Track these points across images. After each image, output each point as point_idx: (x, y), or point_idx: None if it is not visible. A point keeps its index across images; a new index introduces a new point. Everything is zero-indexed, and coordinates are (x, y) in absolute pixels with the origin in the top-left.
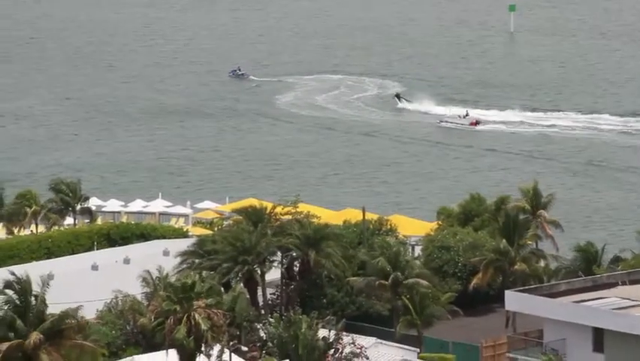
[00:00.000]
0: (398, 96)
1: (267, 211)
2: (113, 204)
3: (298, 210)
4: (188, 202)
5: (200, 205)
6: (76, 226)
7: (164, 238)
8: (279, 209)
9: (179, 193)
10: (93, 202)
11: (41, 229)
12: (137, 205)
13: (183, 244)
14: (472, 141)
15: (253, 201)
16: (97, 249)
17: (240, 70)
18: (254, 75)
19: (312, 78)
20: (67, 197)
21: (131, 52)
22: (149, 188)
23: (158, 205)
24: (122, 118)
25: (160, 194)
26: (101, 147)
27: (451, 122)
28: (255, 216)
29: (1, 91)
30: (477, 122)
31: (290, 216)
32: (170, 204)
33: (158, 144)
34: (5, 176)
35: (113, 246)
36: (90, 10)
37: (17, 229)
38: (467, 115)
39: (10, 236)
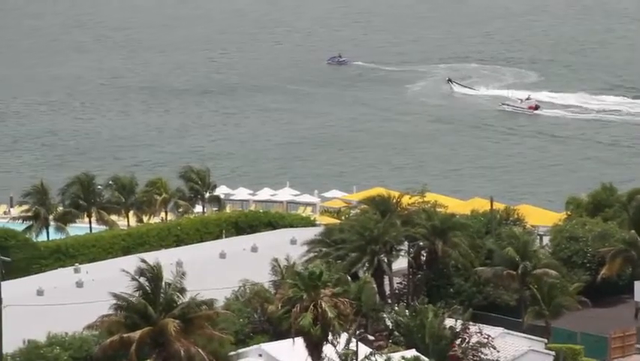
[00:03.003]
0: (450, 80)
1: (394, 201)
2: (242, 193)
3: (425, 199)
4: (316, 191)
5: (327, 194)
6: (205, 214)
7: (292, 226)
8: (406, 198)
9: (306, 182)
10: (222, 190)
11: (171, 216)
12: (265, 194)
13: (311, 233)
14: (590, 133)
15: (380, 191)
16: (225, 237)
17: (340, 57)
18: (362, 61)
19: (443, 67)
20: (197, 185)
21: (247, 38)
22: (278, 176)
23: (286, 194)
24: (250, 105)
25: (288, 183)
26: (230, 134)
27: (512, 106)
28: (382, 206)
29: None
30: (536, 107)
31: (417, 206)
32: (297, 192)
33: (286, 132)
34: (136, 163)
35: (241, 234)
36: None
37: (148, 216)
38: (529, 98)
39: (140, 224)
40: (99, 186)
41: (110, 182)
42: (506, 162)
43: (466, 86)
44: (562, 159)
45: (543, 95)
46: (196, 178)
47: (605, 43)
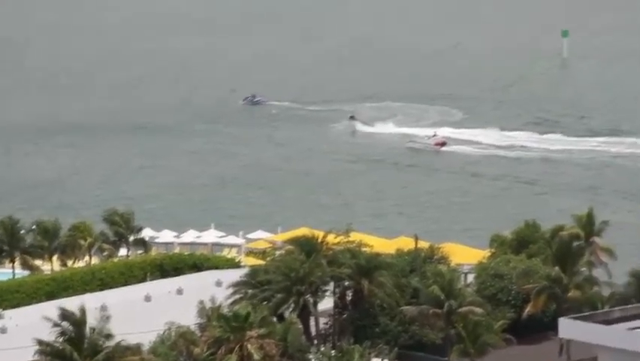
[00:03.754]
0: (353, 117)
1: (319, 241)
2: (166, 235)
3: (350, 239)
4: (241, 232)
5: (252, 235)
6: (130, 257)
7: (217, 268)
8: (331, 238)
9: (231, 223)
10: (146, 233)
11: (95, 260)
12: (189, 236)
13: (236, 275)
14: (515, 171)
15: (305, 231)
16: (150, 280)
17: (254, 97)
18: (274, 101)
19: (369, 105)
20: (121, 228)
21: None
22: (202, 218)
23: (211, 236)
24: (172, 147)
25: (212, 224)
26: (154, 176)
27: (419, 143)
28: (307, 246)
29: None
30: (443, 144)
31: (342, 246)
32: (222, 234)
33: (210, 173)
34: (60, 207)
35: (166, 277)
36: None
37: (72, 260)
38: (435, 135)
39: (64, 268)
40: (22, 231)
41: (34, 226)
42: (428, 199)
43: (367, 124)
44: (483, 196)
45: (462, 133)
46: (120, 221)
47: (525, 81)
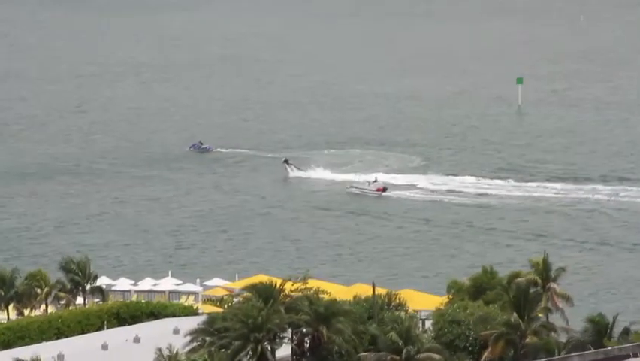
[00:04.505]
0: (287, 162)
1: (277, 288)
2: (123, 283)
3: (308, 285)
4: (198, 280)
5: (209, 283)
6: (87, 306)
7: (175, 316)
8: (288, 285)
9: (188, 271)
10: (103, 281)
11: (52, 309)
12: (146, 284)
13: (194, 322)
14: (474, 217)
15: (263, 278)
16: (107, 328)
17: (201, 144)
18: (222, 147)
19: (326, 153)
20: (77, 276)
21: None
22: (159, 266)
23: (168, 283)
24: (127, 196)
25: (170, 272)
26: (110, 225)
27: (360, 188)
28: (265, 293)
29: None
30: (384, 189)
31: (300, 293)
32: (179, 282)
33: (165, 220)
34: (16, 255)
35: (123, 325)
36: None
37: (29, 309)
38: (376, 180)
39: (20, 317)
40: None
41: None
42: (382, 245)
43: (300, 169)
44: (437, 243)
45: (415, 178)
46: (76, 269)
47: (480, 128)
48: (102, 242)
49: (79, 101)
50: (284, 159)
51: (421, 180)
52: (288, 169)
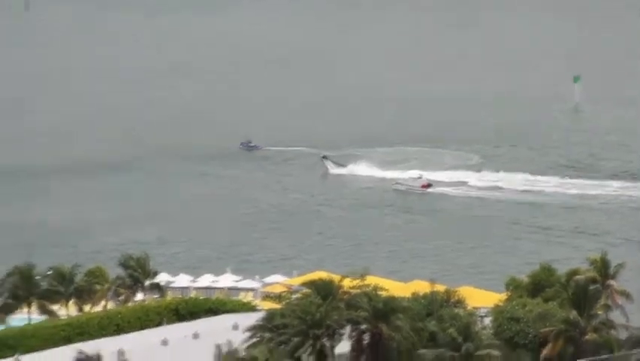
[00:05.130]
0: (325, 157)
1: (336, 284)
2: (182, 279)
3: (366, 282)
4: (257, 276)
5: (268, 279)
6: (146, 302)
7: (233, 312)
8: (347, 282)
9: (247, 267)
10: (162, 278)
11: (111, 305)
12: (205, 280)
13: (252, 319)
14: (534, 213)
15: (321, 274)
16: (166, 324)
17: (250, 142)
18: (271, 145)
19: (381, 151)
20: (136, 273)
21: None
22: (218, 263)
23: (227, 280)
24: (186, 193)
25: (228, 268)
26: (168, 221)
27: (405, 185)
28: (323, 290)
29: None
30: (429, 185)
31: (358, 289)
32: (238, 278)
33: (224, 217)
34: (76, 252)
35: (182, 321)
36: None
37: (89, 305)
38: (420, 177)
39: (80, 313)
40: (38, 276)
41: (49, 272)
42: (439, 243)
43: (340, 165)
44: (496, 240)
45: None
46: (135, 266)
47: (539, 126)
48: (161, 238)
49: (131, 100)
50: (322, 155)
51: (473, 178)
52: (327, 165)
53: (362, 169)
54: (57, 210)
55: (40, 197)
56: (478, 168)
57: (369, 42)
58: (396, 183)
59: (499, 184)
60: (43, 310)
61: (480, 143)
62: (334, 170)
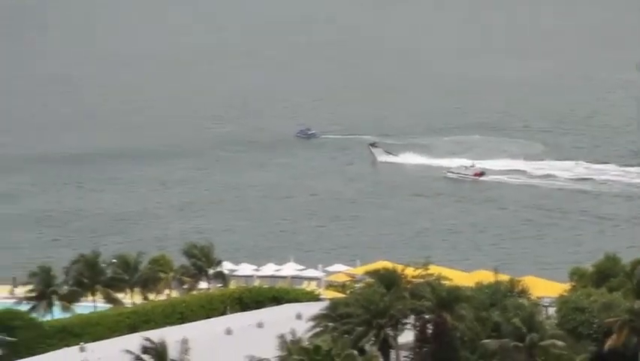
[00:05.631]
0: (373, 145)
1: (399, 273)
2: (246, 268)
3: (429, 272)
4: (320, 265)
5: (331, 268)
6: (210, 291)
7: (297, 301)
8: (410, 271)
9: (310, 256)
10: (226, 266)
11: (175, 293)
12: (269, 269)
13: (316, 308)
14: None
15: (384, 264)
16: (230, 313)
17: (309, 130)
18: (329, 133)
19: (447, 140)
20: (200, 261)
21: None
22: (281, 252)
23: (290, 269)
24: (247, 181)
25: (292, 257)
26: (231, 210)
27: (457, 173)
28: (387, 279)
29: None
30: (482, 174)
31: (421, 279)
32: (302, 267)
33: (287, 206)
34: (140, 240)
35: (246, 310)
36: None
37: (153, 294)
38: (473, 166)
39: (145, 301)
40: (103, 264)
41: (114, 260)
42: (500, 232)
43: (389, 153)
44: (558, 229)
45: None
46: (199, 254)
47: (602, 113)
48: (225, 227)
49: (193, 87)
50: (370, 142)
51: (530, 166)
52: (375, 153)
53: (412, 157)
54: (122, 198)
55: (106, 184)
56: (540, 157)
57: (432, 29)
58: (448, 172)
59: (558, 173)
60: (108, 298)
61: (543, 130)
62: (383, 158)
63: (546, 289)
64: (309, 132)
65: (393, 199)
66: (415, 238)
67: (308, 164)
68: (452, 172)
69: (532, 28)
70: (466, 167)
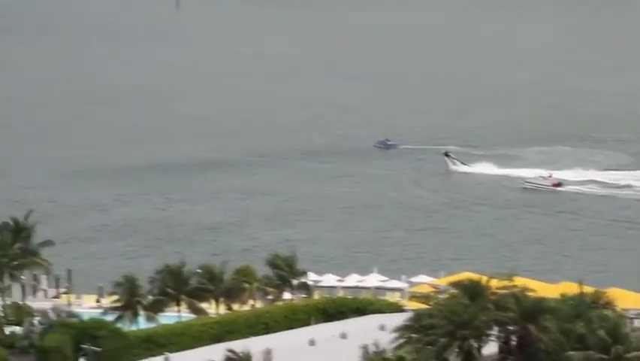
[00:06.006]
0: (447, 155)
1: (483, 284)
2: (329, 279)
3: (513, 283)
4: (404, 276)
5: (415, 279)
6: (293, 301)
7: (380, 312)
8: (494, 282)
9: (394, 267)
10: (309, 277)
11: (259, 304)
12: (352, 280)
13: (400, 319)
14: None
15: (468, 275)
16: (314, 324)
17: (388, 140)
18: (409, 144)
19: (535, 150)
20: (284, 272)
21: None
22: (365, 262)
23: (374, 279)
24: (329, 192)
25: (375, 268)
26: (314, 220)
27: (534, 184)
28: (471, 290)
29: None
30: (559, 184)
31: (506, 290)
32: (385, 278)
33: (370, 217)
34: (224, 250)
35: (329, 321)
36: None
37: (237, 304)
38: (550, 176)
39: (229, 311)
40: (188, 274)
41: (199, 270)
42: (583, 243)
43: (463, 163)
44: (638, 241)
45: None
46: (283, 265)
47: None
48: (309, 238)
49: (275, 99)
50: (444, 151)
51: (612, 176)
52: (449, 162)
53: (487, 167)
54: (207, 208)
55: (191, 194)
56: (619, 167)
57: (518, 37)
58: (526, 182)
59: (638, 183)
60: (193, 308)
61: (632, 141)
62: (456, 167)
63: (631, 301)
64: (388, 143)
65: (475, 210)
66: (498, 248)
67: (389, 174)
68: (529, 183)
69: (619, 40)
70: (543, 177)
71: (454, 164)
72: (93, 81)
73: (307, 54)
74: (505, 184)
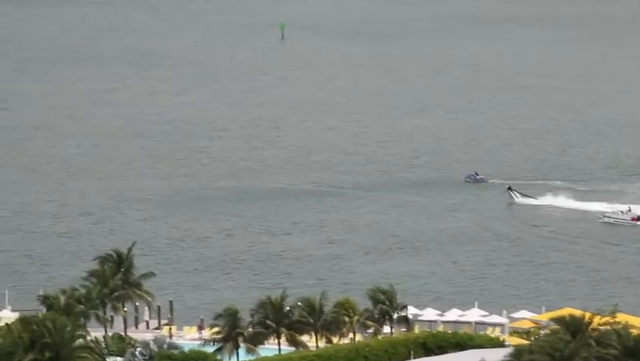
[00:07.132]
0: (510, 189)
1: (585, 321)
2: (430, 313)
3: (616, 320)
4: (504, 311)
5: (516, 315)
6: (394, 335)
7: (481, 347)
8: (596, 319)
9: (495, 302)
10: (410, 311)
11: (359, 337)
12: (453, 314)
13: (500, 354)
14: None
15: (570, 311)
16: (414, 358)
17: (477, 174)
18: (498, 178)
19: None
20: (385, 306)
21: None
22: (466, 297)
23: (474, 314)
24: (427, 225)
25: (476, 303)
26: (414, 254)
27: (614, 218)
28: (572, 326)
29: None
30: (639, 218)
31: (608, 326)
32: (486, 313)
33: (473, 254)
34: (324, 284)
35: (429, 355)
36: None
37: (337, 337)
38: (630, 210)
39: (328, 344)
40: (288, 307)
41: (299, 303)
42: None
43: (527, 196)
44: None
45: None
46: (384, 299)
47: None
48: (409, 271)
49: (371, 131)
50: (507, 185)
51: None
52: (512, 196)
53: (556, 200)
54: (308, 240)
55: (292, 226)
56: None
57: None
58: (604, 216)
59: None
60: (293, 341)
61: None
62: (520, 200)
63: None
64: (478, 177)
65: (572, 245)
66: (601, 285)
67: (483, 207)
68: (608, 217)
69: None
70: (622, 212)
71: (517, 197)
72: (203, 113)
73: (407, 88)
74: (583, 217)
